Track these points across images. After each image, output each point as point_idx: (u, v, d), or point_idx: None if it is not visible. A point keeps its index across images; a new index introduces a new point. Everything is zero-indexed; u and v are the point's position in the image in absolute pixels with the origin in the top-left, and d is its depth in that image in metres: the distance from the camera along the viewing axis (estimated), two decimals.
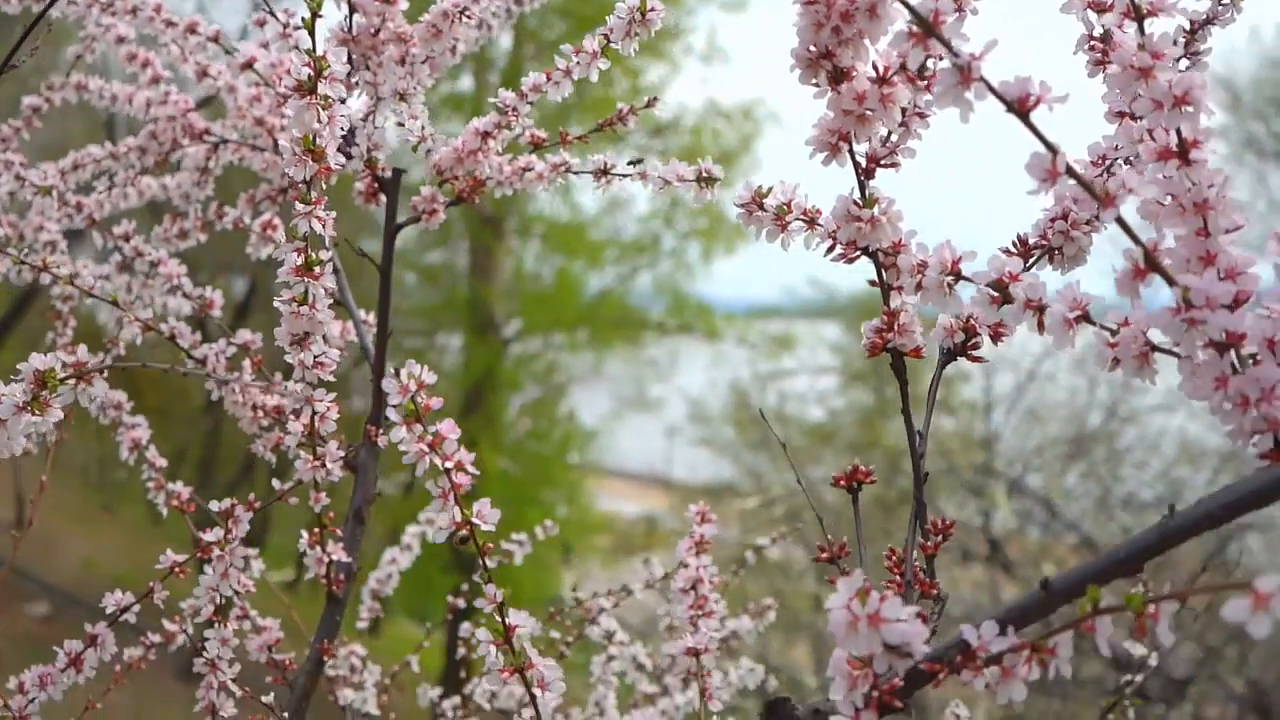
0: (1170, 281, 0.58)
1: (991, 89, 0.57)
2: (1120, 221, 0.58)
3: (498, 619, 0.73)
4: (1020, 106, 0.58)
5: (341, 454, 1.02)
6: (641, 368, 12.89)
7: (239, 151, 1.33)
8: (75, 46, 1.37)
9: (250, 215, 1.33)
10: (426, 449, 0.70)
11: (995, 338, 0.77)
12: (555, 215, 12.53)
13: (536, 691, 0.73)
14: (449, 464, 0.70)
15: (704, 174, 0.97)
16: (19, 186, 1.24)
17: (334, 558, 1.08)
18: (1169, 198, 0.62)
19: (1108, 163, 0.79)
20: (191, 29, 1.19)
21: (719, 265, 12.24)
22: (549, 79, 1.02)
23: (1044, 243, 0.78)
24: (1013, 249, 0.79)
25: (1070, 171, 0.57)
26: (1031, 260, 0.79)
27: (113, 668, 1.11)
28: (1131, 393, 8.08)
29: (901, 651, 0.57)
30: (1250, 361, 0.59)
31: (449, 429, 0.70)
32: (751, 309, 11.87)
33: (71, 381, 0.73)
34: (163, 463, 1.21)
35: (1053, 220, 0.78)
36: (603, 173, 1.05)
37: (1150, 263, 0.58)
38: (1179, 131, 0.61)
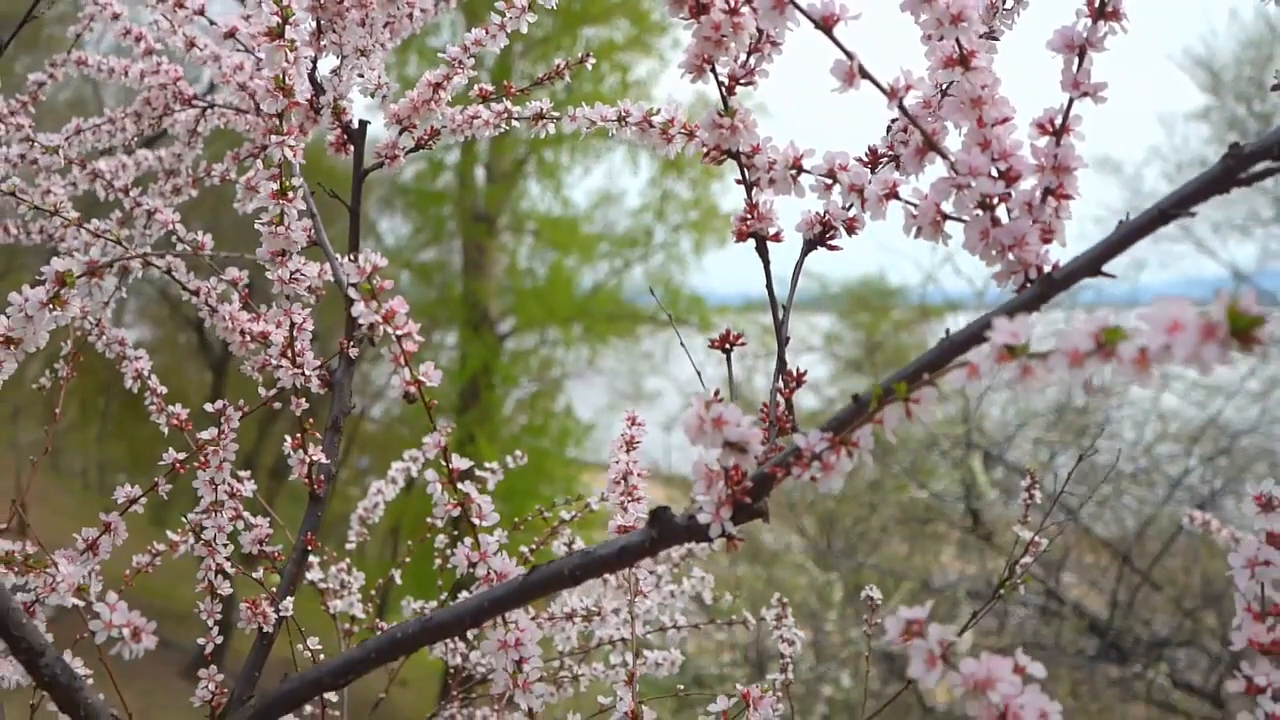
0: (944, 156, 0.74)
1: (800, 9, 0.73)
2: (903, 110, 0.74)
3: (443, 463, 0.89)
4: (826, 23, 0.74)
5: (318, 363, 1.18)
6: (636, 361, 13.06)
7: (224, 116, 1.49)
8: (75, 25, 1.53)
9: (236, 172, 1.49)
10: (381, 320, 0.86)
11: (849, 230, 0.93)
12: (547, 211, 12.71)
13: (475, 521, 0.89)
14: (400, 332, 0.86)
15: (623, 115, 1.13)
16: (29, 148, 1.40)
17: (315, 459, 1.24)
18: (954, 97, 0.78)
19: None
20: (179, 3, 1.35)
21: (711, 258, 12.39)
22: (487, 32, 1.18)
23: (890, 151, 0.94)
24: (864, 157, 0.95)
25: (864, 73, 0.73)
26: (881, 165, 0.95)
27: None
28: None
29: (740, 447, 0.73)
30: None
31: (399, 304, 0.86)
32: (745, 301, 12.03)
33: (86, 278, 0.89)
34: (164, 389, 1.37)
35: (897, 131, 0.94)
36: (539, 117, 1.22)
37: (929, 144, 0.75)
38: (959, 43, 0.77)
